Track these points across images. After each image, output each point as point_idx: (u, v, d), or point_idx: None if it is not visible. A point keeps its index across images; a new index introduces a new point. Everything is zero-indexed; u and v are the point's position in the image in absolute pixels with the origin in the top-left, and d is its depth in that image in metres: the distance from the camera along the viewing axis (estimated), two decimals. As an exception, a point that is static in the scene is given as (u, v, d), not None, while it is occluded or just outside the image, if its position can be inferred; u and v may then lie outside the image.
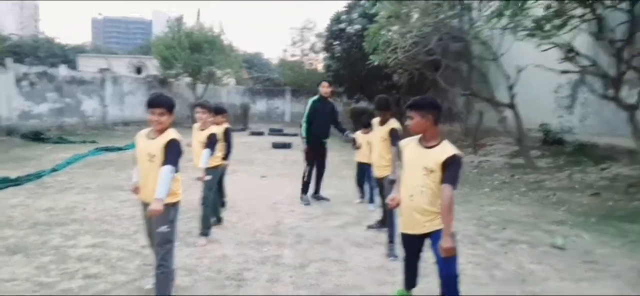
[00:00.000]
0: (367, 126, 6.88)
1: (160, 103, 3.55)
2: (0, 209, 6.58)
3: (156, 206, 3.27)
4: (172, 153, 3.49)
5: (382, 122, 5.55)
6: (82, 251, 4.87)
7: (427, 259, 4.76)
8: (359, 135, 7.48)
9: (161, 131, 3.54)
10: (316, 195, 7.80)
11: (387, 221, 5.61)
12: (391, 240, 5.05)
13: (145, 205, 3.59)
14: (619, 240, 5.78)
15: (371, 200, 7.39)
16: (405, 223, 3.43)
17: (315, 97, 7.71)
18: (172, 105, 3.59)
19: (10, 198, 7.26)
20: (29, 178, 8.80)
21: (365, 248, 5.33)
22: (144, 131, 3.67)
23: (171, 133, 3.56)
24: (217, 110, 6.23)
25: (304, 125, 7.63)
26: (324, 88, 7.68)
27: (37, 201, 7.16)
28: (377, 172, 5.61)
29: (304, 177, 7.65)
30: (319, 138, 7.68)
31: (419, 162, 3.24)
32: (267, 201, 7.60)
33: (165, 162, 3.44)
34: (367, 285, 4.22)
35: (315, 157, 7.70)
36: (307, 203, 7.49)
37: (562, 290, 4.25)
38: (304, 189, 7.65)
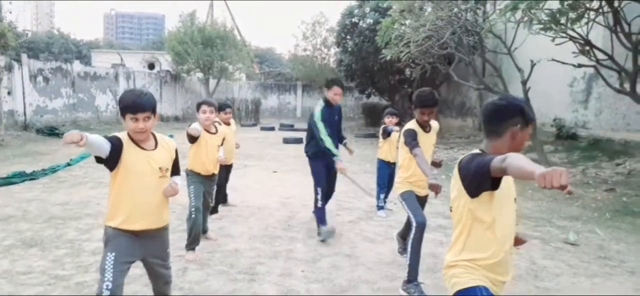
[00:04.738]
0: (393, 116, 6.61)
1: (145, 106, 2.70)
2: (16, 203, 6.68)
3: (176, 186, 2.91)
4: (178, 163, 3.05)
5: (426, 123, 4.20)
6: (97, 245, 4.92)
7: (438, 255, 4.76)
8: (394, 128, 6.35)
9: (148, 137, 2.83)
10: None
11: (406, 245, 4.07)
12: (411, 279, 3.87)
13: (141, 234, 2.84)
14: (634, 236, 5.71)
15: (380, 206, 6.61)
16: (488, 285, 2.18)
17: (323, 105, 5.54)
18: (156, 105, 2.80)
19: (26, 193, 7.38)
20: (44, 172, 8.94)
21: (377, 243, 5.33)
22: (126, 137, 2.76)
23: (169, 140, 3.01)
24: (221, 107, 5.81)
25: (326, 139, 5.36)
26: (336, 96, 5.53)
27: (52, 195, 7.26)
28: (423, 190, 4.24)
29: (316, 202, 5.53)
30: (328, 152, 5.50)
31: (511, 193, 2.27)
32: (278, 196, 7.62)
33: (177, 172, 3.02)
34: (378, 280, 4.22)
35: (326, 175, 5.70)
36: (329, 237, 5.39)
37: (575, 286, 4.21)
38: (321, 218, 5.49)
